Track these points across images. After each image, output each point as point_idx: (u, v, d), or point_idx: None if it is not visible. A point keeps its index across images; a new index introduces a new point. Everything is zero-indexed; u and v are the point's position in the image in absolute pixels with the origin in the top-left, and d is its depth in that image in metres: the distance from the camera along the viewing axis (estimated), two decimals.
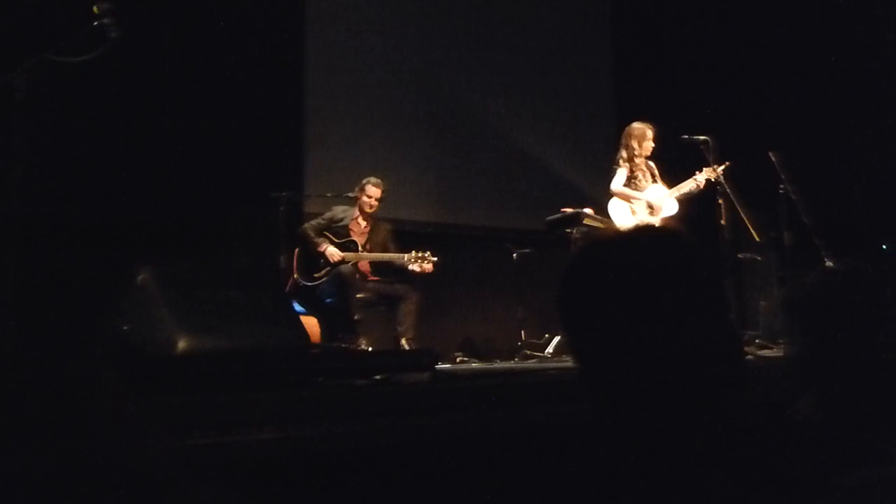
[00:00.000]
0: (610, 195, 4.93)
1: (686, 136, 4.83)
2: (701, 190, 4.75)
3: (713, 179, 4.72)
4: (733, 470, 0.79)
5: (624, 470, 0.84)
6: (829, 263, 4.55)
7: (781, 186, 4.90)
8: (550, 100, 7.13)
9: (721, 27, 6.75)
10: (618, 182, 4.89)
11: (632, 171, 4.88)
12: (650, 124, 4.90)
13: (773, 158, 4.75)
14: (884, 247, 6.70)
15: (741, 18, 6.66)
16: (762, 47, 6.65)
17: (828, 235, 4.68)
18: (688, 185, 4.78)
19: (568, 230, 5.24)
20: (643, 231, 1.10)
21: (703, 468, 0.80)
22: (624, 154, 4.91)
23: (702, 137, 4.75)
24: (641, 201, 4.84)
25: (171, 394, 1.88)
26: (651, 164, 4.94)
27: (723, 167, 4.73)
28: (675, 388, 0.82)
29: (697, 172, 4.76)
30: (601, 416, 0.90)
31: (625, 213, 4.88)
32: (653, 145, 4.87)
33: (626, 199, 4.88)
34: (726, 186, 4.67)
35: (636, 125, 4.91)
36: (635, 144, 4.87)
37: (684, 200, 4.84)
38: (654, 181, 4.91)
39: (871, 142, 6.28)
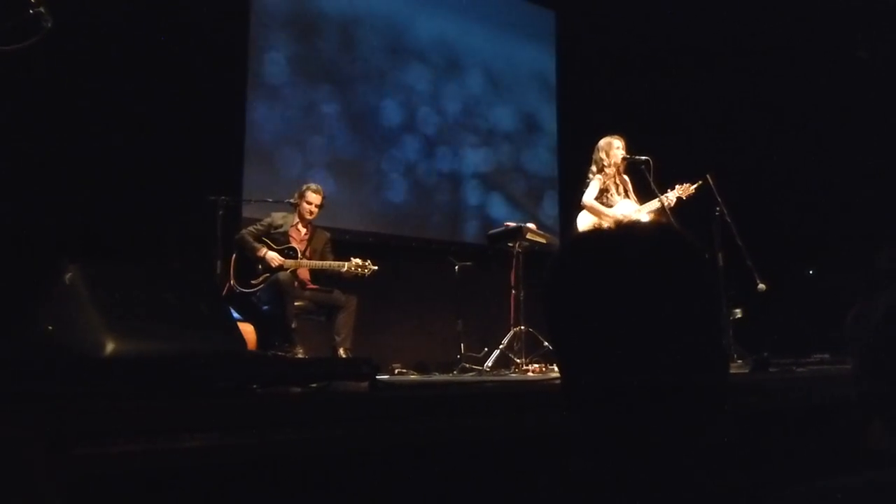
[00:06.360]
0: (581, 207, 4.97)
1: (628, 156, 4.92)
2: (672, 207, 4.76)
3: (685, 198, 4.79)
4: (712, 481, 0.76)
5: (601, 481, 0.80)
6: (760, 285, 4.68)
7: (717, 208, 5.02)
8: (494, 113, 7.19)
9: (661, 51, 6.92)
10: (590, 195, 4.94)
11: (604, 184, 4.93)
12: (618, 135, 4.97)
13: (708, 181, 4.86)
14: (810, 272, 6.96)
15: (679, 42, 6.85)
16: (701, 73, 6.85)
17: (759, 258, 4.82)
18: (657, 203, 4.80)
19: (510, 244, 5.27)
20: (637, 226, 1.03)
21: (686, 478, 0.77)
22: (594, 168, 4.98)
23: (643, 158, 4.84)
24: (610, 216, 4.89)
25: (97, 398, 1.79)
26: (626, 178, 5.01)
27: (695, 186, 4.80)
28: (660, 398, 0.79)
29: (669, 190, 4.81)
30: (583, 425, 0.85)
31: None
32: (622, 154, 4.92)
33: (597, 213, 4.92)
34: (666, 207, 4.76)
35: (604, 138, 4.99)
36: (603, 156, 4.94)
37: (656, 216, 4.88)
38: (626, 196, 4.97)
39: (804, 171, 6.53)
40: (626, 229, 0.95)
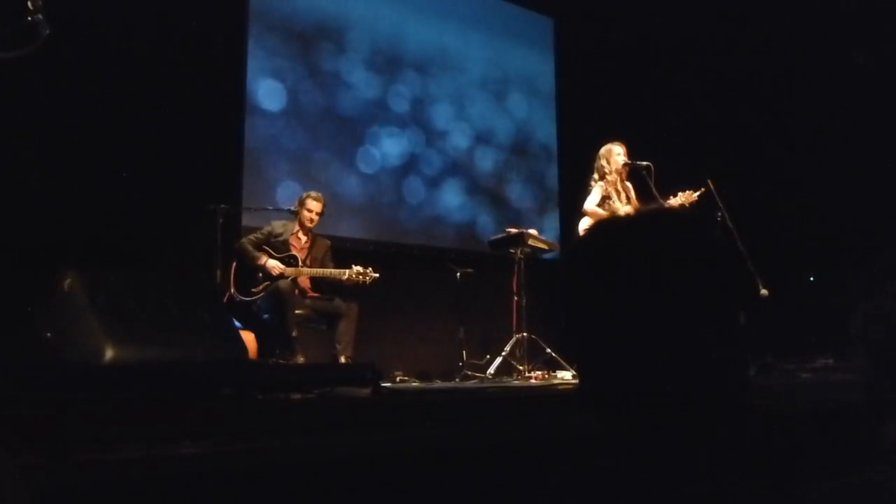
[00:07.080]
0: (583, 214, 4.95)
1: (629, 162, 4.91)
2: None
3: (687, 205, 4.77)
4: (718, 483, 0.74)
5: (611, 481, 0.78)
6: (763, 290, 4.65)
7: (718, 214, 5.00)
8: (493, 120, 7.18)
9: (660, 57, 6.92)
10: (591, 201, 4.92)
11: (605, 191, 4.91)
12: (619, 142, 4.98)
13: (710, 186, 4.84)
14: (811, 278, 6.95)
15: (679, 48, 6.85)
16: (701, 79, 6.84)
17: (761, 264, 4.79)
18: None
19: (512, 250, 5.25)
20: (658, 215, 0.98)
21: (695, 480, 0.75)
22: (595, 175, 4.97)
23: (644, 163, 4.82)
24: None
25: (97, 405, 1.77)
26: (628, 185, 5.00)
27: (698, 193, 4.78)
28: (681, 398, 0.75)
29: (672, 197, 4.80)
30: (602, 427, 0.81)
31: None
32: (623, 160, 4.91)
33: (598, 219, 4.88)
34: None
35: (605, 145, 4.99)
36: (604, 163, 4.94)
37: None
38: (629, 203, 4.96)
39: (805, 176, 6.52)
40: (644, 218, 0.91)
